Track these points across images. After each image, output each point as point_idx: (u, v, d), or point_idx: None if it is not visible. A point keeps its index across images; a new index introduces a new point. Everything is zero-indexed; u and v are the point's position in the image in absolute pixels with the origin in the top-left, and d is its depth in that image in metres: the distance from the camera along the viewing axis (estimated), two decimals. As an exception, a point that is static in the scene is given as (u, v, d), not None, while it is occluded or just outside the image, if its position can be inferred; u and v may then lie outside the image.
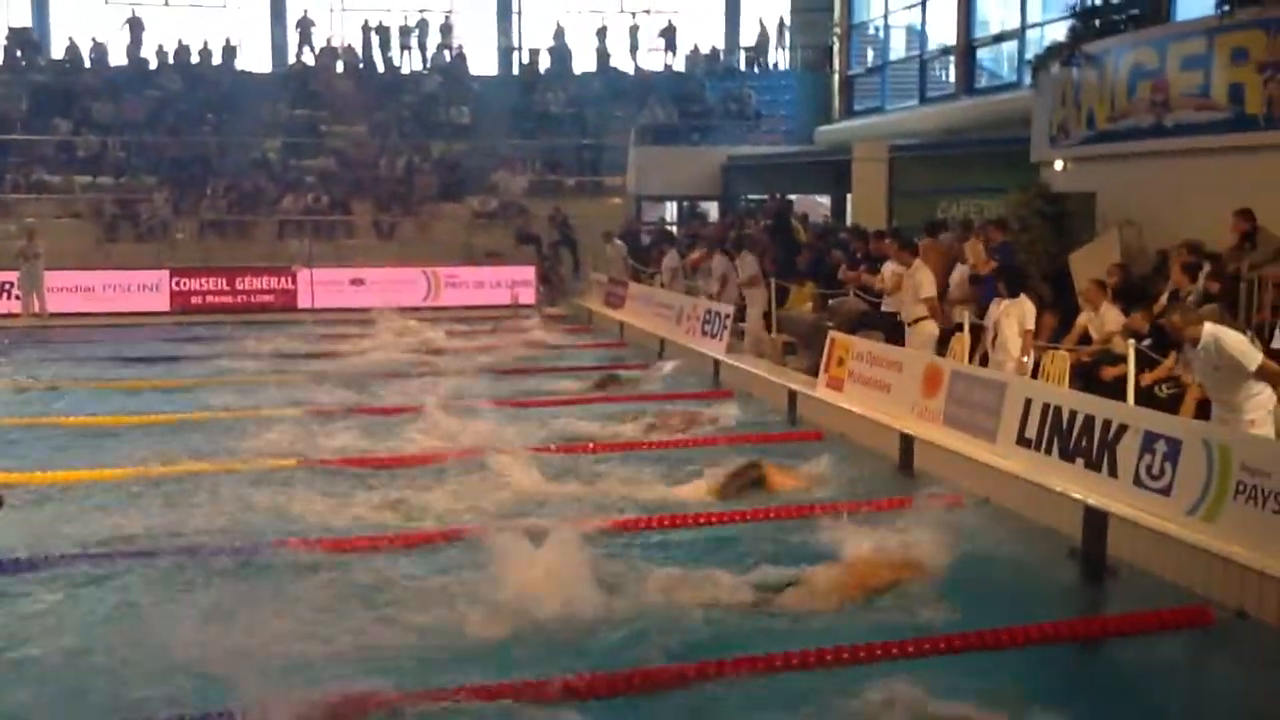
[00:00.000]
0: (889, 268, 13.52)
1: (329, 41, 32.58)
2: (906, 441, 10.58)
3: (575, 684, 5.68)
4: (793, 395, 13.12)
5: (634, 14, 33.99)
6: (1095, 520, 7.95)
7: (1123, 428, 8.23)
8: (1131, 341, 9.74)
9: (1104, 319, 11.01)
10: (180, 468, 10.10)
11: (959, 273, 13.26)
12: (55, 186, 26.28)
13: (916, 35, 25.70)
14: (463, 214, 27.22)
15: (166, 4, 33.34)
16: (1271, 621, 6.58)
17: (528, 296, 24.30)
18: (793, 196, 23.82)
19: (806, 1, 31.37)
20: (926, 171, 20.90)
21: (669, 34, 33.43)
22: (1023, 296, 10.99)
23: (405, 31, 32.80)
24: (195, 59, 31.12)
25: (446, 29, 33.05)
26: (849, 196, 23.09)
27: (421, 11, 33.20)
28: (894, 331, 13.02)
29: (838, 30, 29.00)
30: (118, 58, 31.12)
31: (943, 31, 24.16)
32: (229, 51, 31.62)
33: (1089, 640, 6.70)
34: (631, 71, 33.01)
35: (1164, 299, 10.66)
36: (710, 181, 28.57)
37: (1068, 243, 13.57)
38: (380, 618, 6.62)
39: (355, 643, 6.24)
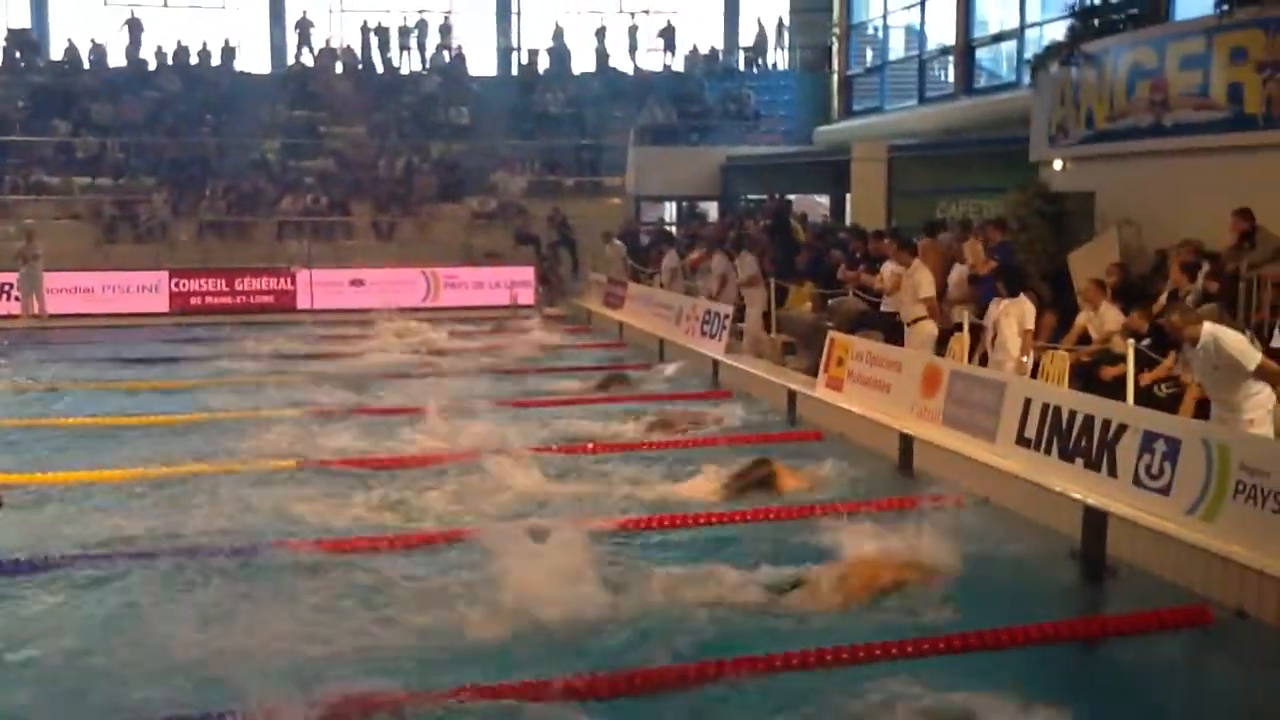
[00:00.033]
0: (888, 268, 13.53)
1: (328, 42, 32.58)
2: (906, 441, 10.59)
3: (577, 684, 5.67)
4: (792, 395, 13.12)
5: (633, 14, 34.02)
6: (1095, 520, 7.96)
7: (1122, 427, 8.24)
8: (1131, 341, 9.74)
9: (1103, 319, 11.02)
10: (180, 468, 10.10)
11: (958, 272, 13.27)
12: (54, 188, 26.27)
13: (915, 35, 25.69)
14: (462, 214, 27.22)
15: (165, 5, 33.35)
16: (1271, 621, 6.59)
17: (527, 297, 24.29)
18: (792, 196, 23.82)
19: (805, 1, 31.37)
20: (925, 171, 20.90)
21: (668, 34, 33.44)
22: (1022, 296, 10.99)
23: (404, 32, 32.79)
24: (194, 60, 31.12)
25: (445, 29, 33.05)
26: (848, 196, 23.09)
27: (420, 12, 33.21)
28: (893, 331, 13.03)
29: (836, 30, 29.01)
30: (117, 59, 31.11)
31: (942, 31, 24.17)
32: (228, 52, 31.61)
33: (1089, 640, 6.69)
34: (630, 72, 33.01)
35: (1163, 298, 10.67)
36: (709, 182, 28.58)
37: (1067, 242, 13.57)
38: (381, 618, 6.62)
39: (356, 643, 6.25)
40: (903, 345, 12.40)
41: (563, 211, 26.49)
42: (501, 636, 6.34)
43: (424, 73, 32.25)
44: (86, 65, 30.59)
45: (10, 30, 31.18)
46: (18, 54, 30.56)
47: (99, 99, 28.83)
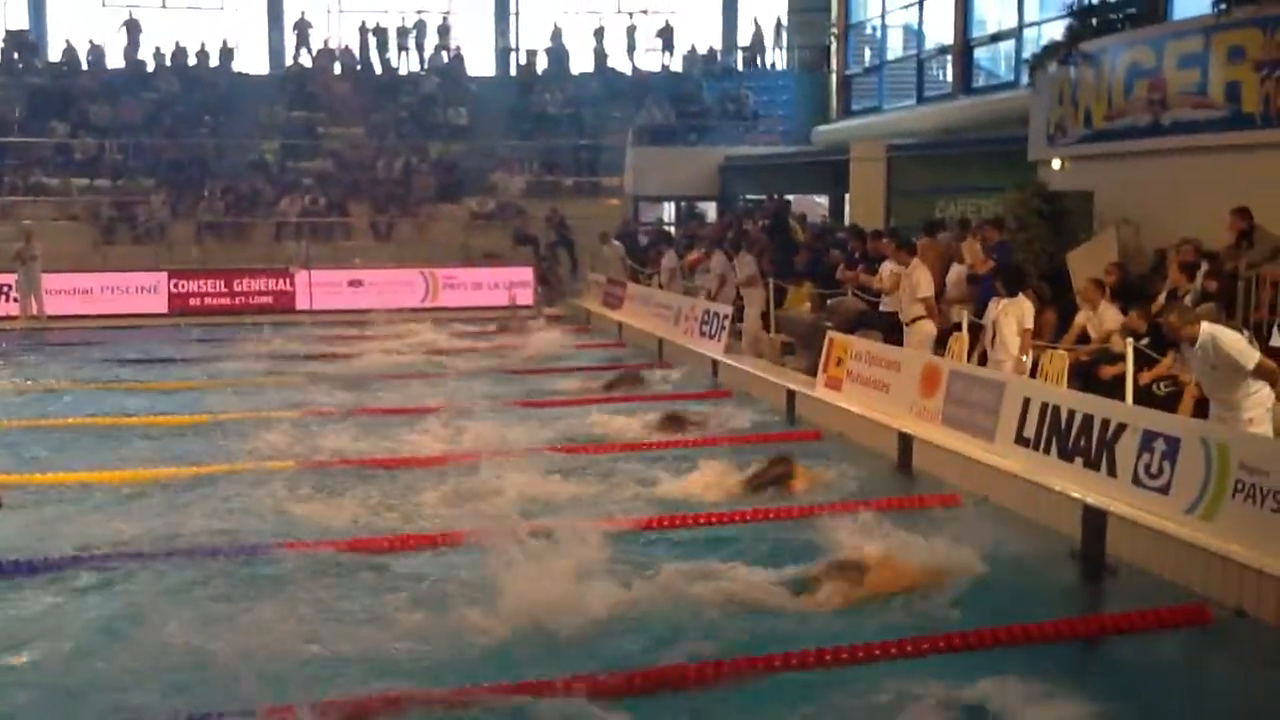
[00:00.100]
0: (887, 267, 13.52)
1: (326, 43, 32.56)
2: (905, 441, 10.59)
3: (580, 684, 5.66)
4: (791, 395, 13.12)
5: (631, 14, 34.00)
6: (1094, 519, 7.96)
7: (1121, 427, 8.24)
8: (1130, 340, 9.74)
9: (1102, 318, 11.03)
10: (180, 469, 10.09)
11: (956, 272, 13.27)
12: (52, 189, 26.26)
13: (914, 35, 25.70)
14: (460, 215, 27.21)
15: (164, 6, 33.32)
16: (1270, 620, 6.59)
17: (526, 297, 24.29)
18: (790, 196, 23.83)
19: (803, 1, 31.38)
20: (924, 171, 20.90)
21: (666, 34, 33.43)
22: (1021, 296, 10.99)
23: (403, 33, 32.76)
24: (192, 61, 31.09)
25: (444, 30, 33.04)
26: (847, 196, 23.09)
27: (419, 13, 33.18)
28: (892, 331, 13.03)
29: (835, 30, 29.02)
30: (115, 60, 31.08)
31: (940, 31, 24.19)
32: (226, 53, 31.58)
33: (1088, 639, 6.69)
34: (629, 72, 33.00)
35: (1162, 297, 10.68)
36: (708, 182, 28.58)
37: (1065, 242, 13.57)
38: (383, 619, 6.61)
39: (357, 644, 6.23)
40: (902, 345, 12.41)
41: (561, 212, 26.49)
42: (506, 637, 6.33)
43: (422, 73, 32.23)
44: (85, 66, 30.57)
45: (8, 31, 31.16)
46: (16, 55, 30.54)
47: (97, 100, 28.82)
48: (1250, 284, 10.82)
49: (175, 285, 23.43)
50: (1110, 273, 11.71)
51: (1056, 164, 15.19)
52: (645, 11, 34.08)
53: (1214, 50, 12.51)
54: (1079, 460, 8.58)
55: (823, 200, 25.97)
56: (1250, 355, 8.01)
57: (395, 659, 6.05)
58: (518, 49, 34.14)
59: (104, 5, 32.65)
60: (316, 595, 6.99)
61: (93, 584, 7.28)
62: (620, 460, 10.53)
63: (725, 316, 16.27)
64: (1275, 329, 10.26)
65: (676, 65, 33.25)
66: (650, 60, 33.42)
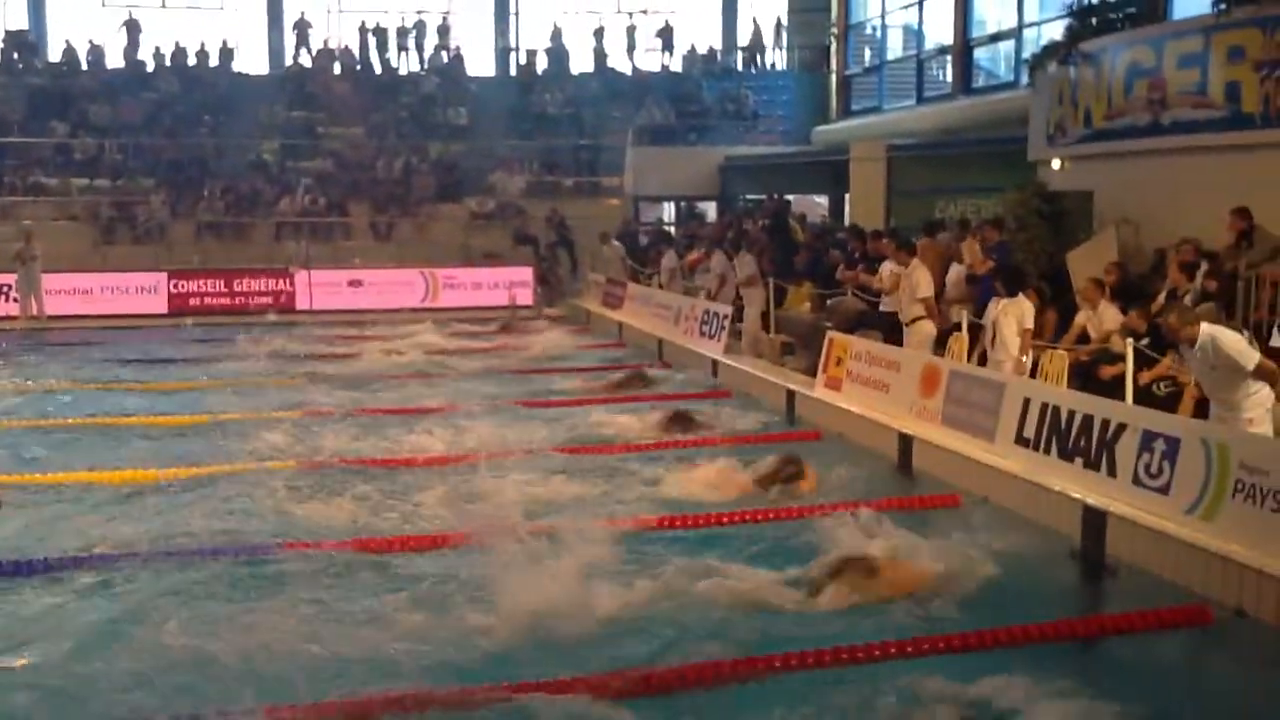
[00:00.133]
0: (887, 267, 13.53)
1: (326, 43, 32.56)
2: (905, 441, 10.58)
3: (582, 685, 5.66)
4: (791, 395, 13.12)
5: (631, 14, 34.01)
6: (1094, 519, 7.96)
7: (1121, 427, 8.24)
8: (1130, 340, 9.74)
9: (1102, 318, 11.03)
10: (180, 469, 10.08)
11: (956, 272, 13.28)
12: (52, 189, 26.27)
13: (913, 35, 25.72)
14: (460, 215, 27.21)
15: (163, 6, 33.32)
16: (1270, 620, 6.59)
17: (526, 297, 24.29)
18: (790, 196, 23.84)
19: (803, 1, 31.38)
20: (924, 171, 20.91)
21: (666, 34, 33.43)
22: (1021, 296, 10.99)
23: (402, 33, 32.77)
24: (192, 61, 31.09)
25: (444, 30, 33.04)
26: (847, 196, 23.11)
27: (419, 13, 33.18)
28: (892, 331, 13.03)
29: (835, 30, 29.04)
30: (115, 60, 31.08)
31: (940, 31, 24.20)
32: (226, 53, 31.58)
33: (1088, 640, 6.69)
34: (629, 72, 33.00)
35: (1161, 297, 10.68)
36: (708, 182, 28.59)
37: (1065, 242, 13.58)
38: (385, 620, 6.60)
39: (358, 645, 6.23)
40: (901, 345, 12.41)
41: (561, 212, 26.49)
42: (508, 638, 6.33)
43: (422, 73, 32.23)
44: (84, 66, 30.57)
45: (8, 32, 31.16)
46: (15, 55, 30.55)
47: (97, 100, 28.83)
48: (1250, 284, 10.83)
49: (175, 285, 23.44)
50: (1110, 272, 11.71)
51: (1056, 164, 15.20)
52: (645, 11, 34.10)
53: (1214, 50, 12.51)
54: (1079, 460, 8.58)
55: (823, 200, 25.98)
56: (1250, 356, 8.00)
57: (397, 660, 6.03)
58: (518, 49, 34.15)
59: (104, 5, 32.66)
60: (318, 595, 6.99)
61: (93, 584, 7.28)
62: (620, 461, 10.52)
63: (725, 316, 16.26)
64: (1275, 329, 10.27)
65: (676, 65, 33.25)
66: (650, 60, 33.44)
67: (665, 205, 30.57)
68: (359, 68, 32.09)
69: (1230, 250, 11.22)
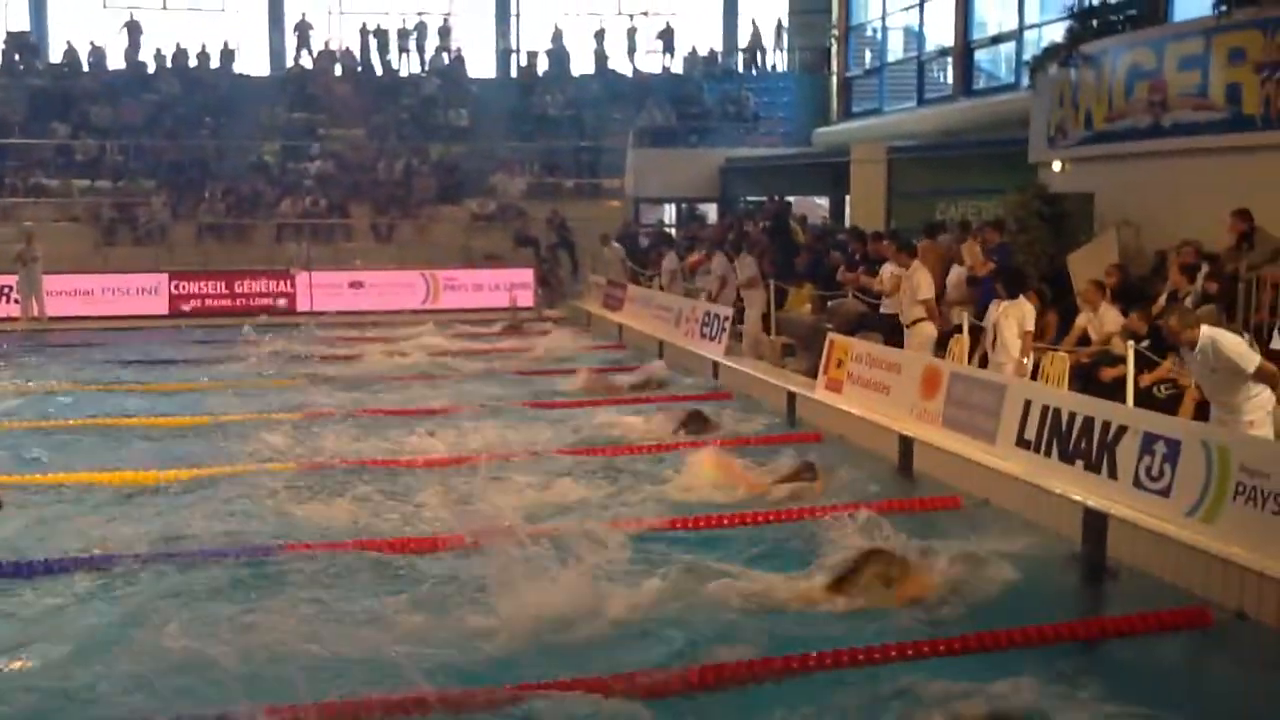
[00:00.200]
0: (887, 269, 13.53)
1: (327, 44, 32.56)
2: (906, 443, 10.59)
3: (587, 685, 5.66)
4: (792, 397, 13.12)
5: (632, 16, 34.02)
6: (1095, 522, 7.96)
7: (1122, 429, 8.24)
8: (1130, 342, 9.74)
9: (1102, 320, 11.02)
10: (180, 470, 10.08)
11: (956, 274, 13.27)
12: (53, 190, 26.28)
13: (914, 37, 25.73)
14: (461, 216, 27.22)
15: (164, 7, 33.32)
16: (1271, 623, 6.59)
17: (526, 299, 24.30)
18: (791, 198, 23.83)
19: (804, 3, 31.40)
20: (925, 173, 20.91)
21: (667, 36, 33.45)
22: (1022, 298, 10.98)
23: (403, 34, 32.78)
24: (193, 62, 31.10)
25: (445, 31, 33.05)
26: (847, 198, 23.10)
27: (420, 14, 33.19)
28: (893, 333, 13.03)
29: (835, 32, 29.05)
30: (116, 61, 31.08)
31: (940, 33, 24.20)
32: (227, 55, 31.60)
33: (1089, 642, 6.69)
34: (629, 74, 33.01)
35: (1162, 299, 10.68)
36: (708, 183, 28.58)
37: (1066, 244, 13.57)
38: (386, 622, 6.60)
39: (359, 646, 6.22)
40: (902, 347, 12.40)
41: (562, 213, 26.49)
42: (509, 639, 6.32)
43: (423, 75, 32.25)
44: (85, 68, 30.58)
45: (9, 33, 31.16)
46: (17, 56, 30.55)
47: (98, 101, 28.84)
48: (1251, 286, 10.82)
49: (176, 287, 23.44)
50: (1111, 274, 11.71)
51: (1057, 166, 15.19)
52: (646, 13, 34.11)
53: (1214, 52, 12.51)
54: (1080, 463, 8.58)
55: (823, 202, 25.95)
56: (1250, 358, 7.99)
57: (398, 660, 6.02)
58: (518, 50, 34.14)
59: (105, 6, 32.67)
60: (318, 596, 6.99)
61: (93, 585, 7.27)
62: (621, 461, 10.53)
63: (726, 318, 16.25)
64: (1276, 331, 10.25)
65: (677, 67, 33.26)
66: (651, 62, 33.45)
67: (666, 207, 30.57)
68: (360, 69, 32.11)
69: (1231, 252, 11.21)
